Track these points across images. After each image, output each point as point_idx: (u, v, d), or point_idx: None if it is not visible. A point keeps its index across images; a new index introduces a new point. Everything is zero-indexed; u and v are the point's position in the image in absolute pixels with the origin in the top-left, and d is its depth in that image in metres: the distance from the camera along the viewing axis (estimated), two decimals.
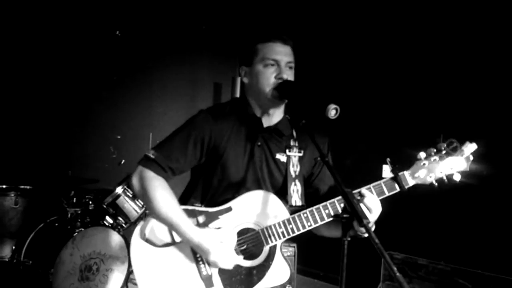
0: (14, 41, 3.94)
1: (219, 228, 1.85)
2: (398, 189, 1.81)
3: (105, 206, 3.62)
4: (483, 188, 3.51)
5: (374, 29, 4.39)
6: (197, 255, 1.84)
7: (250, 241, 1.87)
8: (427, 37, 3.99)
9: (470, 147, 1.78)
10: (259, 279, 1.86)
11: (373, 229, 1.82)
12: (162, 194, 1.82)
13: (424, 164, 1.79)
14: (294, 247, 1.99)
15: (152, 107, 4.89)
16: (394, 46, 4.22)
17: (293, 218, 1.84)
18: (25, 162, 3.92)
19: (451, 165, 1.79)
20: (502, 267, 3.26)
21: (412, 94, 4.05)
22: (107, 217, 3.60)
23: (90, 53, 4.34)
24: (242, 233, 1.88)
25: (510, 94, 3.51)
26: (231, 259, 1.80)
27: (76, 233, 3.31)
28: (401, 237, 3.71)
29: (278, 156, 1.98)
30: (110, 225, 3.54)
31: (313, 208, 1.83)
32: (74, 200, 3.61)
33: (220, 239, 1.80)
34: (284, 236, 1.85)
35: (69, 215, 3.52)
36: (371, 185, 1.82)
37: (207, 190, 1.95)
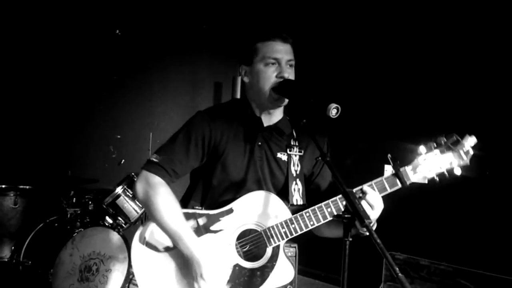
0: (14, 41, 3.93)
1: (221, 230, 1.83)
2: (399, 185, 1.80)
3: (105, 206, 3.61)
4: (485, 188, 3.51)
5: (373, 27, 4.38)
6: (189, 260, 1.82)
7: (253, 243, 1.85)
8: (426, 35, 3.98)
9: (470, 141, 1.78)
10: (263, 280, 1.84)
11: (375, 227, 1.81)
12: (168, 204, 1.80)
13: (425, 159, 1.79)
14: (295, 247, 1.98)
15: (152, 107, 4.88)
16: (393, 45, 4.21)
17: (296, 218, 1.83)
18: (24, 162, 3.91)
19: (451, 159, 1.78)
20: (504, 268, 3.25)
21: (412, 93, 4.04)
22: (107, 217, 3.59)
23: (90, 52, 4.33)
24: (244, 234, 1.86)
25: (509, 90, 3.50)
26: (217, 283, 1.78)
27: (75, 233, 3.30)
28: (403, 238, 3.70)
29: (279, 155, 1.98)
30: (110, 226, 3.52)
31: (315, 207, 1.82)
32: (74, 200, 3.60)
33: (217, 266, 1.78)
34: (287, 236, 1.83)
35: (68, 215, 3.51)
36: (372, 182, 1.81)
37: (207, 191, 1.93)
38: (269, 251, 1.85)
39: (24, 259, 3.31)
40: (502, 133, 3.48)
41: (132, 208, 3.65)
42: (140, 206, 3.66)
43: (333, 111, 1.65)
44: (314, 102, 1.68)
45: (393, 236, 2.80)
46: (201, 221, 1.83)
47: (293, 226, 1.82)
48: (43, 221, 3.47)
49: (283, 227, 1.83)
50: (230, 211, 1.85)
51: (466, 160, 1.79)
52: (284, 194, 1.93)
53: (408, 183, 1.80)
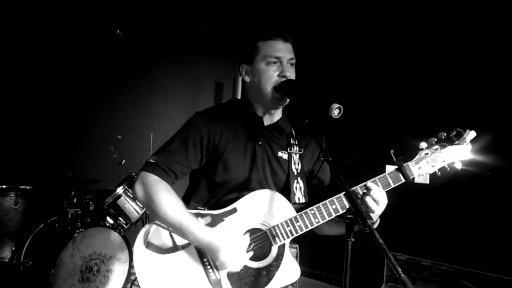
0: (14, 41, 3.92)
1: (225, 230, 1.81)
2: (403, 180, 1.83)
3: (105, 207, 3.60)
4: (486, 188, 3.50)
5: (373, 26, 4.38)
6: (204, 259, 1.79)
7: (258, 242, 1.84)
8: (426, 35, 3.98)
9: (470, 135, 1.82)
10: (269, 279, 1.83)
11: (377, 223, 1.83)
12: (167, 197, 1.77)
13: (426, 154, 1.83)
14: (296, 248, 1.98)
15: (153, 107, 4.87)
16: (394, 44, 4.21)
17: (300, 216, 1.82)
18: (25, 162, 3.90)
19: (452, 153, 1.83)
20: (507, 268, 3.24)
21: (413, 92, 4.04)
22: (108, 218, 3.58)
23: (90, 52, 4.33)
24: (248, 234, 1.85)
25: (508, 88, 3.49)
26: (241, 259, 1.76)
27: (76, 234, 3.29)
28: (405, 238, 3.70)
29: (280, 154, 1.98)
30: (110, 226, 3.52)
31: (320, 204, 1.82)
32: (75, 201, 3.59)
33: (231, 239, 1.76)
34: (292, 235, 1.83)
35: (69, 216, 3.50)
36: (376, 178, 1.82)
37: (209, 192, 1.92)
38: (274, 250, 1.84)
39: (25, 260, 3.30)
40: (504, 133, 3.47)
41: (133, 208, 3.65)
42: (141, 206, 3.66)
43: (335, 111, 1.66)
44: (316, 102, 1.68)
45: (394, 237, 2.80)
46: (205, 221, 1.81)
47: (298, 224, 1.82)
48: (44, 222, 3.46)
49: (288, 226, 1.82)
50: (234, 210, 1.84)
51: (466, 154, 1.84)
52: (286, 192, 1.93)
53: (411, 177, 1.82)
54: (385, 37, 4.29)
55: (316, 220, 1.81)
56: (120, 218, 3.62)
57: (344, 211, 1.74)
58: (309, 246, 2.18)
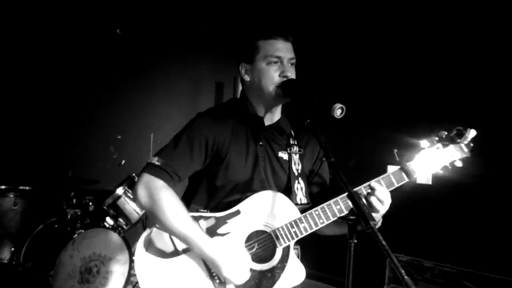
0: (14, 41, 3.91)
1: (228, 233, 1.80)
2: (406, 179, 1.82)
3: (105, 207, 3.59)
4: (488, 189, 3.49)
5: (374, 26, 4.37)
6: (207, 262, 1.77)
7: (262, 244, 1.82)
8: (427, 34, 3.97)
9: (470, 134, 1.83)
10: (274, 282, 1.81)
11: (380, 223, 1.82)
12: (174, 206, 1.73)
13: (429, 153, 1.84)
14: (297, 249, 1.95)
15: (153, 107, 4.86)
16: (395, 44, 4.20)
17: (305, 217, 1.81)
18: (24, 162, 3.89)
19: (453, 152, 1.85)
20: (509, 270, 3.22)
21: (414, 91, 4.03)
22: (108, 219, 3.56)
23: (90, 52, 4.31)
24: (252, 236, 1.83)
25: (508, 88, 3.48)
26: (243, 275, 1.75)
27: (76, 235, 3.28)
28: (407, 239, 3.68)
29: (280, 154, 1.97)
30: (110, 227, 3.50)
31: (324, 205, 1.80)
32: (74, 201, 3.58)
33: (233, 255, 1.74)
34: (297, 236, 1.81)
35: (69, 217, 3.48)
36: (379, 178, 1.81)
37: (211, 194, 1.89)
38: (279, 252, 1.82)
39: (24, 261, 3.28)
40: (506, 133, 3.45)
41: (133, 209, 3.63)
42: (141, 207, 3.64)
43: (338, 111, 1.65)
44: (318, 102, 1.67)
45: (396, 238, 2.77)
46: (208, 224, 1.78)
47: (302, 225, 1.80)
48: (43, 222, 3.45)
49: (292, 227, 1.80)
50: (237, 213, 1.82)
51: (467, 152, 1.86)
52: (287, 193, 1.91)
53: (414, 176, 1.82)
54: (387, 36, 4.28)
55: (321, 221, 1.79)
56: (120, 219, 3.61)
57: (348, 211, 1.73)
58: (310, 247, 2.15)
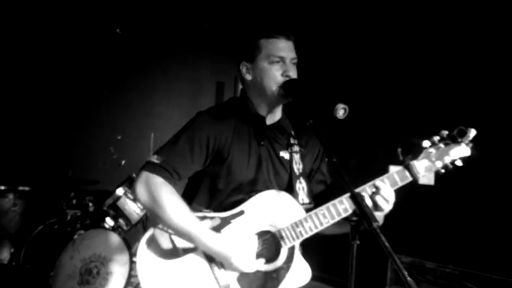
0: (14, 40, 3.90)
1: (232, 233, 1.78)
2: (410, 178, 1.83)
3: (105, 208, 3.57)
4: (491, 190, 3.47)
5: (376, 26, 4.36)
6: (212, 264, 1.75)
7: (267, 244, 1.81)
8: (429, 35, 3.95)
9: (471, 133, 1.85)
10: (279, 282, 1.79)
11: (381, 222, 1.80)
12: (174, 203, 1.71)
13: (431, 152, 1.85)
14: (299, 250, 1.93)
15: (153, 107, 4.85)
16: (396, 44, 4.19)
17: (310, 216, 1.79)
18: (24, 162, 3.88)
19: (454, 151, 1.87)
20: None
21: (415, 91, 4.02)
22: (108, 219, 3.55)
23: (90, 52, 4.31)
24: (257, 236, 1.81)
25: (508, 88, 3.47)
26: (253, 263, 1.73)
27: (76, 236, 3.26)
28: (408, 240, 3.67)
29: (281, 154, 1.97)
30: (110, 227, 3.49)
31: (329, 204, 1.79)
32: (74, 202, 3.58)
33: (240, 243, 1.73)
34: (302, 236, 1.79)
35: (68, 217, 3.48)
36: (383, 177, 1.82)
37: (213, 194, 1.88)
38: (284, 252, 1.81)
39: (24, 262, 3.27)
40: (505, 132, 3.44)
41: (133, 210, 3.62)
42: (141, 208, 3.62)
43: (341, 111, 1.64)
44: (320, 102, 1.66)
45: (398, 239, 2.76)
46: (212, 224, 1.76)
47: (308, 224, 1.78)
48: (43, 223, 3.43)
49: (297, 226, 1.78)
50: (241, 213, 1.80)
51: (467, 151, 1.87)
52: (289, 193, 1.90)
53: (418, 176, 1.83)
54: (389, 37, 4.27)
55: (326, 220, 1.78)
56: (120, 220, 3.59)
57: (352, 210, 1.73)
58: (311, 248, 2.14)
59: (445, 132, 1.86)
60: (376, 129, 4.23)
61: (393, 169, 1.85)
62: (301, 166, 1.97)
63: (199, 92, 5.29)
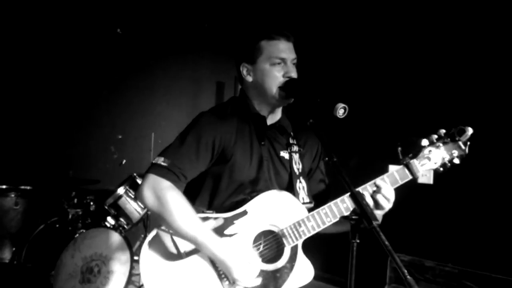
0: (14, 40, 3.91)
1: (235, 234, 1.78)
2: (410, 176, 1.84)
3: (106, 207, 3.59)
4: (490, 188, 3.48)
5: (376, 26, 4.36)
6: (217, 265, 1.75)
7: (270, 244, 1.82)
8: (429, 35, 3.96)
9: (468, 132, 1.87)
10: (283, 281, 1.80)
11: (380, 221, 1.80)
12: (182, 208, 1.70)
13: (430, 151, 1.87)
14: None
15: (153, 106, 4.85)
16: (397, 44, 4.19)
17: (312, 215, 1.80)
18: (25, 162, 3.88)
19: (452, 150, 1.89)
20: (511, 269, 3.22)
21: (415, 91, 4.02)
22: (109, 218, 3.57)
23: (90, 51, 4.31)
24: (260, 236, 1.82)
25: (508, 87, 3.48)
26: (253, 279, 1.74)
27: (77, 235, 3.27)
28: (407, 239, 3.68)
29: (281, 153, 1.97)
30: (111, 227, 3.50)
31: (331, 203, 1.80)
32: (75, 201, 3.57)
33: (245, 257, 1.73)
34: (305, 235, 1.80)
35: (70, 216, 3.48)
36: (384, 176, 1.83)
37: (214, 194, 1.88)
38: (287, 251, 1.82)
39: (25, 261, 3.28)
40: (505, 132, 3.45)
41: (134, 209, 3.63)
42: (142, 207, 3.63)
43: (341, 111, 1.64)
44: (321, 102, 1.66)
45: (397, 237, 2.77)
46: (215, 224, 1.76)
47: (310, 224, 1.80)
48: (44, 222, 3.44)
49: (300, 226, 1.80)
50: (244, 213, 1.80)
51: (465, 150, 1.90)
52: (290, 193, 1.91)
53: (418, 174, 1.84)
54: (389, 37, 4.28)
55: (328, 219, 1.79)
56: (121, 219, 3.60)
57: (353, 209, 1.73)
58: (312, 247, 2.15)
59: (443, 131, 1.87)
60: (376, 129, 4.23)
61: (393, 168, 1.86)
62: (300, 166, 1.98)
63: (199, 92, 5.30)
